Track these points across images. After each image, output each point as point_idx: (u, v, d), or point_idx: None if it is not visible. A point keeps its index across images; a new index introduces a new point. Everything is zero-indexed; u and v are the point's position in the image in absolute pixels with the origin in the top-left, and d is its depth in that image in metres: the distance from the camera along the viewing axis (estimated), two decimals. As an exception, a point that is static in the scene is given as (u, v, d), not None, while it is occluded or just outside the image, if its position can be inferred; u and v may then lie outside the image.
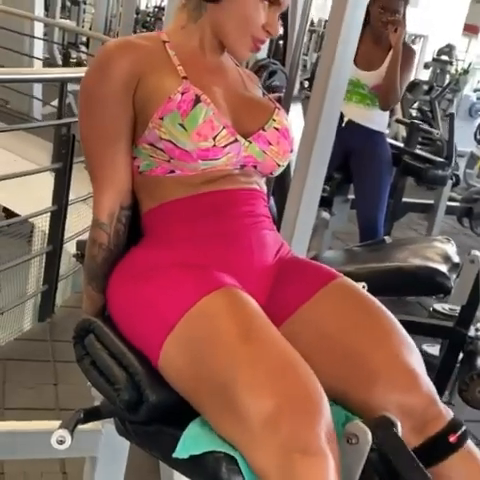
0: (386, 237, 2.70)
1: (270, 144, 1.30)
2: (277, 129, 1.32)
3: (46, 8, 8.90)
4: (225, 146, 1.22)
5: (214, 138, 1.20)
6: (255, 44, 1.28)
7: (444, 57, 11.64)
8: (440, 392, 2.36)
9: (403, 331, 1.23)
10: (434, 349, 2.86)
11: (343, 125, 3.18)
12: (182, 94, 1.20)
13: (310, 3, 2.38)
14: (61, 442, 1.14)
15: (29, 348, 2.58)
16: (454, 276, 2.22)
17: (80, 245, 1.43)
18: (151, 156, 1.24)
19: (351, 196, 3.47)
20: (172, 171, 1.23)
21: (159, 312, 1.14)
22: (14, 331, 3.04)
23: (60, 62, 7.46)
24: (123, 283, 1.24)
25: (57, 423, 1.24)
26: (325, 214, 3.40)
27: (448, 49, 11.79)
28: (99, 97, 1.23)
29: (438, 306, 3.31)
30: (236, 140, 1.24)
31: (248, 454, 1.01)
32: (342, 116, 3.19)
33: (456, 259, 2.32)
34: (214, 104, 1.23)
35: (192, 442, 1.06)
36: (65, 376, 2.41)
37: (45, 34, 8.30)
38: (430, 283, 2.12)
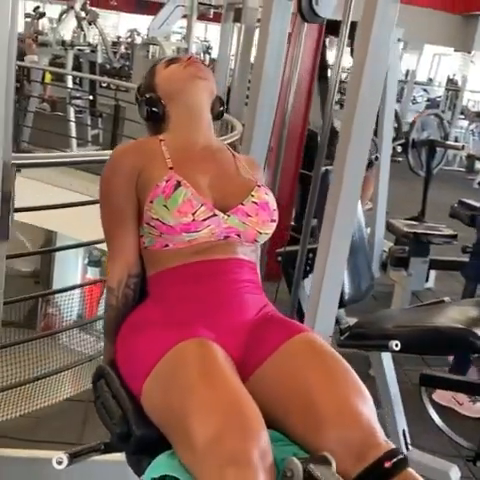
0: (446, 298, 2.78)
1: (249, 216, 1.54)
2: (255, 203, 1.56)
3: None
4: (205, 220, 1.48)
5: (193, 214, 1.47)
6: (190, 65, 1.65)
7: None
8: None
9: (356, 379, 1.37)
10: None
11: None
12: (166, 181, 1.50)
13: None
14: (59, 463, 1.40)
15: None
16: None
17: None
18: (150, 233, 1.52)
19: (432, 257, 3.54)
20: (167, 245, 1.51)
21: (143, 359, 1.40)
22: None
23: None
24: (124, 335, 1.52)
25: (118, 455, 1.52)
26: (401, 274, 3.51)
27: None
28: (110, 187, 1.56)
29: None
30: (215, 214, 1.50)
31: (195, 474, 1.21)
32: None
33: (500, 320, 2.38)
34: (194, 187, 1.50)
35: (155, 468, 1.29)
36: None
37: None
38: (461, 343, 2.21)
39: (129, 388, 1.44)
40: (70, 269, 9.38)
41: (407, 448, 2.57)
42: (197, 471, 1.21)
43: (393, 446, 1.30)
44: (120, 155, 1.58)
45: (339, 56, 2.14)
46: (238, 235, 1.54)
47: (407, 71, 14.77)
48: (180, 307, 1.48)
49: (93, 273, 9.45)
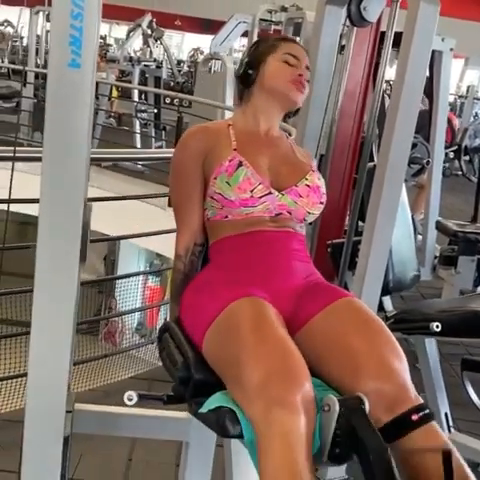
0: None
1: (301, 196, 1.74)
2: (308, 186, 1.76)
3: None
4: (261, 197, 1.69)
5: (251, 191, 1.68)
6: (296, 85, 1.76)
7: None
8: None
9: (393, 339, 1.54)
10: None
11: None
12: (230, 161, 1.70)
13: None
14: (130, 399, 1.61)
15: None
16: None
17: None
18: (212, 206, 1.73)
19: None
20: (226, 216, 1.72)
21: (204, 313, 1.61)
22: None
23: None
24: (188, 293, 1.73)
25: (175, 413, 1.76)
26: (449, 272, 3.63)
27: None
28: (180, 162, 1.77)
29: None
30: (270, 192, 1.70)
31: (245, 409, 1.40)
32: None
33: None
34: (254, 167, 1.70)
35: (212, 402, 1.49)
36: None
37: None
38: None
39: (191, 339, 1.64)
40: (132, 278, 9.67)
41: (449, 431, 2.70)
42: (247, 408, 1.40)
43: (421, 401, 1.47)
44: (189, 137, 1.78)
45: (383, 65, 2.33)
46: (289, 212, 1.73)
47: (468, 87, 14.70)
48: (236, 269, 1.69)
49: (154, 282, 9.72)
